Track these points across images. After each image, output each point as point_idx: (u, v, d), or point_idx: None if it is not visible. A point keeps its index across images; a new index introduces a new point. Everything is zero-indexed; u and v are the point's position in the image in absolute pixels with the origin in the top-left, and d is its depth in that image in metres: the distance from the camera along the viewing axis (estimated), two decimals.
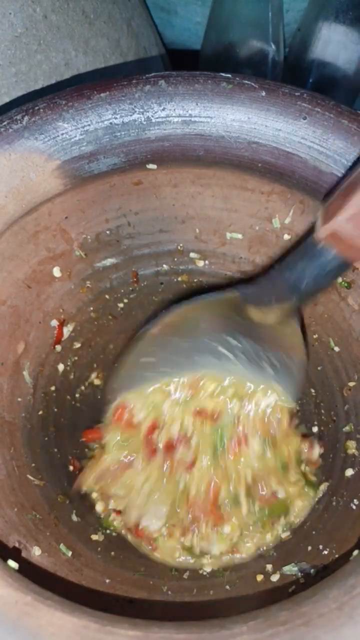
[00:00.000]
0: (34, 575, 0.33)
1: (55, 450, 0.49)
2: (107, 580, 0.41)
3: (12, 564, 0.33)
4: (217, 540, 0.44)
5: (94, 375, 0.57)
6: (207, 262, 0.54)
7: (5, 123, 0.40)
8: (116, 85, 0.41)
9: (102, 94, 0.41)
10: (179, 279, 0.56)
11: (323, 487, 0.47)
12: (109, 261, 0.52)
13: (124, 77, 0.41)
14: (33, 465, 0.46)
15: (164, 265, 0.55)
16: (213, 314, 0.43)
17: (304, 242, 0.38)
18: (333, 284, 0.47)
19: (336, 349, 0.49)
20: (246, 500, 0.44)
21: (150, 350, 0.44)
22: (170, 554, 0.45)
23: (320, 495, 0.46)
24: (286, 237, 0.48)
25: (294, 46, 0.69)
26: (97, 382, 0.57)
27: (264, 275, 0.44)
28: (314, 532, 0.44)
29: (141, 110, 0.41)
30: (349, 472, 0.45)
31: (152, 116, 0.41)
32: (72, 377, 0.54)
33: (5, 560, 0.33)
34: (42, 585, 0.31)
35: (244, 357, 0.41)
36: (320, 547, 0.41)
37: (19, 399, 0.47)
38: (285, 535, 0.45)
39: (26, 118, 0.40)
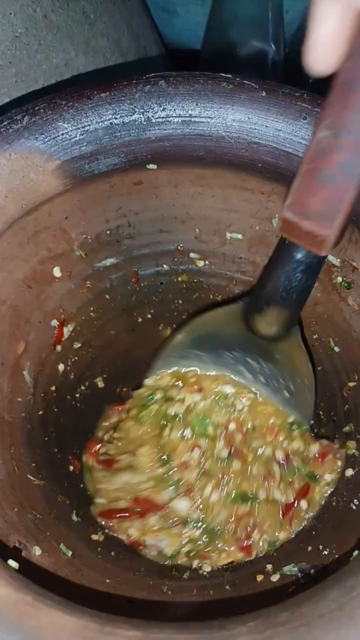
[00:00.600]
0: (34, 575, 0.32)
1: (56, 450, 0.49)
2: (107, 580, 0.41)
3: (13, 563, 0.33)
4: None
5: (94, 375, 0.57)
6: (207, 262, 0.54)
7: (5, 123, 0.40)
8: (116, 85, 0.41)
9: (102, 94, 0.41)
10: (179, 279, 0.56)
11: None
12: (109, 261, 0.52)
13: (124, 77, 0.41)
14: (33, 465, 0.46)
15: (164, 265, 0.55)
16: (230, 329, 0.46)
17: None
18: (329, 287, 0.47)
19: (336, 349, 0.49)
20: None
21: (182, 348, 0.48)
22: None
23: (322, 496, 0.47)
24: None
25: (294, 46, 0.69)
26: (97, 382, 0.57)
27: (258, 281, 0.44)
28: (313, 533, 0.44)
29: (141, 110, 0.41)
30: (349, 472, 0.45)
31: (152, 116, 0.41)
32: (72, 377, 0.54)
33: (5, 560, 0.33)
34: (42, 585, 0.31)
35: (263, 380, 0.44)
36: (320, 547, 0.41)
37: (19, 399, 0.47)
38: (283, 535, 0.44)
39: (26, 118, 0.40)
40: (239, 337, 0.46)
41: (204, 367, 0.46)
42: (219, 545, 0.44)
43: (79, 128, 0.41)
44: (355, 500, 0.43)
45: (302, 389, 0.46)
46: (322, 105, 0.29)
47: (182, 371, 0.47)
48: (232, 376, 0.45)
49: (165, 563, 0.45)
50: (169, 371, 0.47)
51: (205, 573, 0.44)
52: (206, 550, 0.44)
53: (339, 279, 0.46)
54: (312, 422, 0.48)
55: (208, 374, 0.46)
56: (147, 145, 0.42)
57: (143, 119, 0.41)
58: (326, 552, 0.41)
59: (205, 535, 0.44)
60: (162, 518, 0.45)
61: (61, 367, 0.52)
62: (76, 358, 0.54)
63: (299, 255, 0.37)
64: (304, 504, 0.45)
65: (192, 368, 0.46)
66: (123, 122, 0.41)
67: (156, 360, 0.49)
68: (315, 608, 0.28)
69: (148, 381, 0.49)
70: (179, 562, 0.44)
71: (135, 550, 0.46)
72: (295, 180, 0.32)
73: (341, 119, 0.28)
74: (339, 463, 0.46)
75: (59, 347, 0.52)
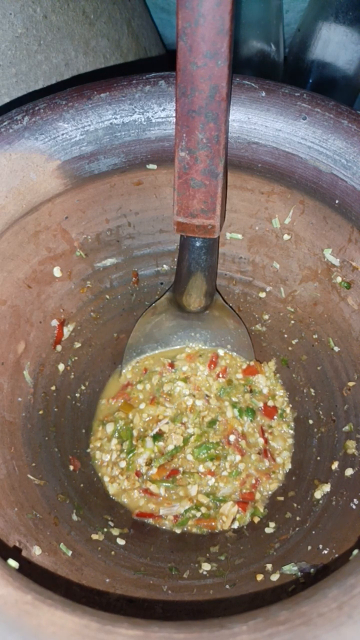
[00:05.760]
0: (35, 575, 0.33)
1: (56, 449, 0.49)
2: (107, 580, 0.41)
3: (13, 563, 0.34)
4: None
5: (94, 375, 0.57)
6: None
7: (5, 123, 0.40)
8: (116, 85, 0.41)
9: (102, 95, 0.41)
10: None
11: (325, 487, 0.47)
12: (109, 261, 0.52)
13: (124, 77, 0.41)
14: (33, 464, 0.46)
15: (164, 266, 0.55)
16: (168, 317, 0.56)
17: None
18: (329, 287, 0.47)
19: (336, 348, 0.49)
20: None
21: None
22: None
23: (322, 495, 0.47)
24: (286, 237, 0.48)
25: (294, 46, 0.69)
26: (97, 381, 0.57)
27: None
28: (313, 532, 0.44)
29: (141, 110, 0.41)
30: (349, 471, 0.46)
31: (152, 116, 0.41)
32: (72, 376, 0.54)
33: (5, 560, 0.33)
34: (42, 585, 0.31)
35: (209, 342, 0.59)
36: (320, 546, 0.41)
37: (20, 399, 0.47)
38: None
39: (26, 118, 0.40)
40: (176, 321, 0.57)
41: (161, 351, 0.59)
42: (222, 509, 0.51)
43: (79, 128, 0.41)
44: (355, 500, 0.43)
45: (239, 335, 0.57)
46: (175, 134, 0.38)
47: (148, 355, 0.59)
48: (186, 348, 0.59)
49: (178, 532, 0.50)
50: (132, 364, 0.59)
51: (205, 572, 0.44)
52: (212, 515, 0.51)
53: (339, 279, 0.46)
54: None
55: (168, 350, 0.59)
56: (147, 145, 0.42)
57: (143, 119, 0.41)
58: (326, 551, 0.41)
59: (210, 499, 0.52)
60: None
61: (61, 367, 0.52)
62: (76, 358, 0.54)
63: (198, 243, 0.46)
64: (273, 442, 0.55)
65: (152, 353, 0.59)
66: (123, 122, 0.41)
67: (122, 362, 0.58)
68: (315, 606, 0.28)
69: (121, 379, 0.58)
70: (191, 530, 0.51)
71: (140, 537, 0.48)
72: (174, 193, 0.41)
73: (190, 140, 0.38)
74: (270, 365, 0.58)
75: (59, 347, 0.52)
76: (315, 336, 0.52)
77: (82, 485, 0.50)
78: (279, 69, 0.69)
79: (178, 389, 0.56)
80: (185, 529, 0.51)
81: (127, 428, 0.54)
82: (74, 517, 0.46)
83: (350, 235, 0.43)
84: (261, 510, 0.51)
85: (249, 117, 0.41)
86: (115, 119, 0.41)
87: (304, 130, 0.40)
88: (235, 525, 0.50)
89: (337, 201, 0.41)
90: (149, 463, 0.53)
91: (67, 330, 0.52)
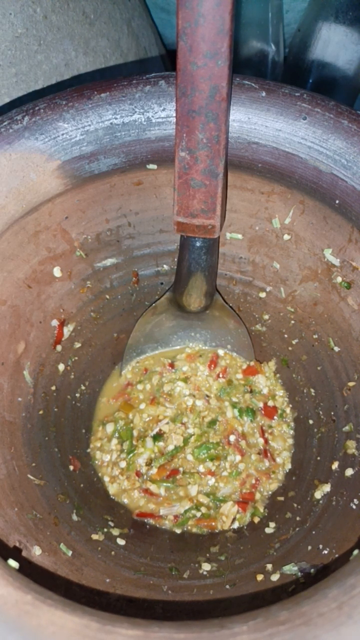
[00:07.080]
0: (35, 575, 0.33)
1: (56, 449, 0.49)
2: (107, 580, 0.41)
3: (13, 563, 0.34)
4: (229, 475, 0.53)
5: (94, 375, 0.57)
6: None
7: (5, 123, 0.40)
8: (116, 85, 0.41)
9: (102, 95, 0.41)
10: None
11: (325, 487, 0.47)
12: (109, 261, 0.52)
13: (124, 77, 0.41)
14: (33, 464, 0.46)
15: (164, 266, 0.55)
16: (168, 317, 0.57)
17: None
18: (329, 287, 0.47)
19: (336, 349, 0.49)
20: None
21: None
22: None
23: (322, 495, 0.47)
24: (286, 237, 0.48)
25: (294, 46, 0.69)
26: (97, 381, 0.57)
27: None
28: (313, 532, 0.44)
29: (141, 110, 0.41)
30: (349, 471, 0.46)
31: (153, 116, 0.41)
32: (72, 376, 0.54)
33: (5, 560, 0.33)
34: (42, 585, 0.31)
35: (209, 342, 0.59)
36: (320, 546, 0.41)
37: (20, 399, 0.47)
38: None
39: (26, 118, 0.40)
40: (176, 321, 0.57)
41: (161, 351, 0.59)
42: (222, 509, 0.51)
43: (79, 128, 0.41)
44: (355, 500, 0.43)
45: (239, 335, 0.57)
46: (175, 134, 0.38)
47: (148, 355, 0.59)
48: (186, 349, 0.59)
49: (178, 532, 0.50)
50: (132, 364, 0.59)
51: (205, 572, 0.44)
52: (212, 515, 0.51)
53: (339, 279, 0.46)
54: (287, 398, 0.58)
55: (168, 350, 0.59)
56: (148, 145, 0.42)
57: (143, 119, 0.41)
58: (326, 552, 0.41)
59: (210, 499, 0.52)
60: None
61: (61, 367, 0.52)
62: (76, 358, 0.54)
63: (198, 244, 0.46)
64: (273, 442, 0.55)
65: (152, 353, 0.59)
66: (123, 122, 0.41)
67: (122, 362, 0.58)
68: (315, 606, 0.28)
69: (122, 379, 0.58)
70: (191, 530, 0.51)
71: (140, 537, 0.48)
72: (174, 193, 0.41)
73: (191, 140, 0.38)
74: (271, 365, 0.58)
75: (59, 347, 0.52)
76: (315, 336, 0.52)
77: (82, 485, 0.50)
78: (279, 69, 0.69)
79: (178, 389, 0.56)
80: (185, 529, 0.51)
81: (127, 428, 0.54)
82: (74, 517, 0.46)
83: (350, 235, 0.43)
84: (261, 510, 0.51)
85: (249, 117, 0.41)
86: (116, 119, 0.41)
87: (304, 130, 0.40)
88: (235, 525, 0.50)
89: (337, 201, 0.41)
90: (149, 463, 0.53)
91: (67, 330, 0.52)
